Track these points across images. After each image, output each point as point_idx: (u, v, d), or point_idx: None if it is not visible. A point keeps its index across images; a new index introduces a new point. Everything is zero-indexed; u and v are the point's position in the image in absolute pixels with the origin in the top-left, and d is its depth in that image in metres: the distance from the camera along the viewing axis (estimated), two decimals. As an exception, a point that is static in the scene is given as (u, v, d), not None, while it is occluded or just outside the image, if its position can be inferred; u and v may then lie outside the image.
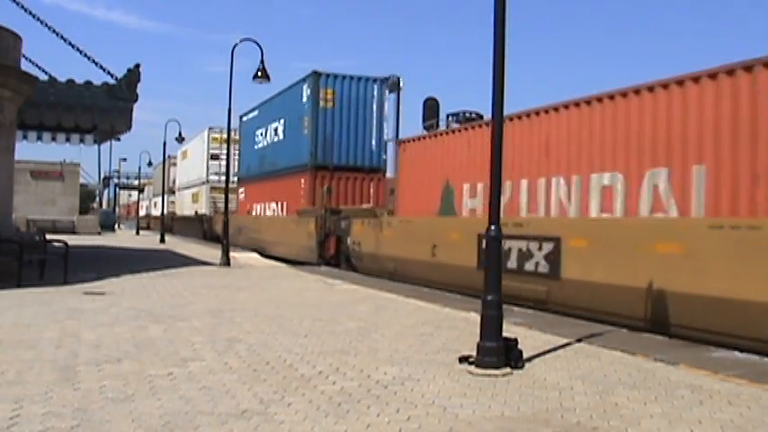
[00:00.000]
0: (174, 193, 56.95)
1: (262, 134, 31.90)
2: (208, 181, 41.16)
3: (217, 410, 5.28)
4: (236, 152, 39.25)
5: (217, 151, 40.05)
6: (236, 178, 39.22)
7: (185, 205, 50.15)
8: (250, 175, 33.74)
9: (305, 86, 25.42)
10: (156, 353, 7.37)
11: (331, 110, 24.56)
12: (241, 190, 35.89)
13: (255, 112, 33.59)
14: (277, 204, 29.08)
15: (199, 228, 43.35)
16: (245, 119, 35.56)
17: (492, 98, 7.33)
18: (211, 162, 40.68)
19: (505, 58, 7.28)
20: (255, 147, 32.84)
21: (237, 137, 36.51)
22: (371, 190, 24.73)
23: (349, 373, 6.67)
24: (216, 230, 36.14)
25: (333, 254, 22.42)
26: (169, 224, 55.60)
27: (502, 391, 6.11)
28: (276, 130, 29.56)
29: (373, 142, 25.03)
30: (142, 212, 77.67)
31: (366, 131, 24.94)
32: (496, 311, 6.95)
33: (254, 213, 32.63)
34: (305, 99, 25.33)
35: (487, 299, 7.01)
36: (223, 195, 38.37)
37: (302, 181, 25.34)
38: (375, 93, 25.07)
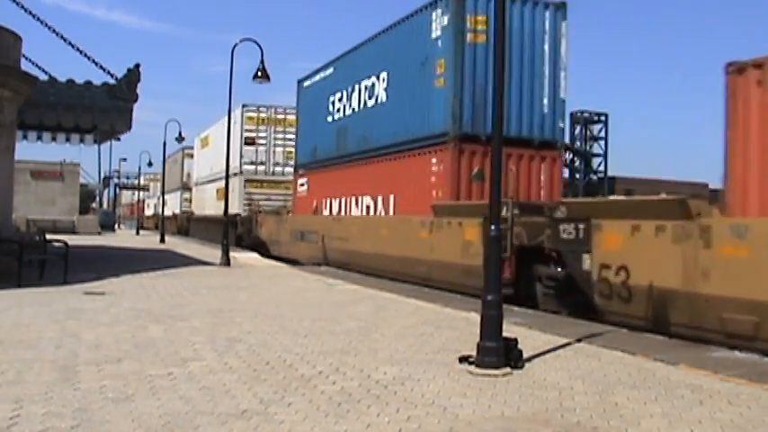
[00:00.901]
0: (188, 189, 50.10)
1: (341, 99, 22.83)
2: (242, 172, 33.62)
3: (217, 410, 5.28)
4: (276, 138, 34.04)
5: (253, 134, 33.44)
6: (276, 168, 34.31)
7: (208, 203, 41.58)
8: (318, 160, 24.80)
9: (436, 13, 17.07)
10: (156, 353, 7.37)
11: (483, 47, 16.18)
12: (301, 182, 27.01)
13: (329, 71, 24.60)
14: (374, 199, 19.91)
15: (230, 231, 38.04)
16: (307, 83, 26.95)
17: (492, 98, 7.34)
18: (246, 148, 33.15)
19: (505, 58, 7.29)
20: (329, 119, 23.86)
21: (293, 116, 30.88)
22: (542, 175, 16.70)
23: (349, 372, 6.67)
24: (259, 236, 30.50)
25: (510, 278, 12.80)
26: (184, 225, 49.62)
27: (502, 391, 6.11)
28: (371, 89, 20.46)
29: (545, 101, 16.86)
30: (149, 212, 72.65)
31: (534, 85, 16.74)
32: (496, 311, 6.95)
33: (325, 212, 23.98)
34: (437, 32, 16.92)
35: (487, 299, 7.01)
36: (266, 190, 33.04)
37: (433, 161, 16.76)
38: (547, 25, 16.93)
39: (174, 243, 36.43)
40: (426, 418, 5.21)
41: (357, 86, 21.69)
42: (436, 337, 8.86)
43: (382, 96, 19.99)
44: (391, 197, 18.87)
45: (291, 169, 31.25)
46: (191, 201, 49.50)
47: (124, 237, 44.50)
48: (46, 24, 19.33)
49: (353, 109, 22.02)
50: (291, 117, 32.18)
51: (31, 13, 19.00)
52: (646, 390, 6.26)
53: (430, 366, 7.01)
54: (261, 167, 34.10)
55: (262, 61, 20.23)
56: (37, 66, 18.95)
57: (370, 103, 20.63)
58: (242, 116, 33.19)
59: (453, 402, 5.67)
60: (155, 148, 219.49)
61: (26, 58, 17.44)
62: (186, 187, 50.66)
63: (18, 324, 9.01)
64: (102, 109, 18.58)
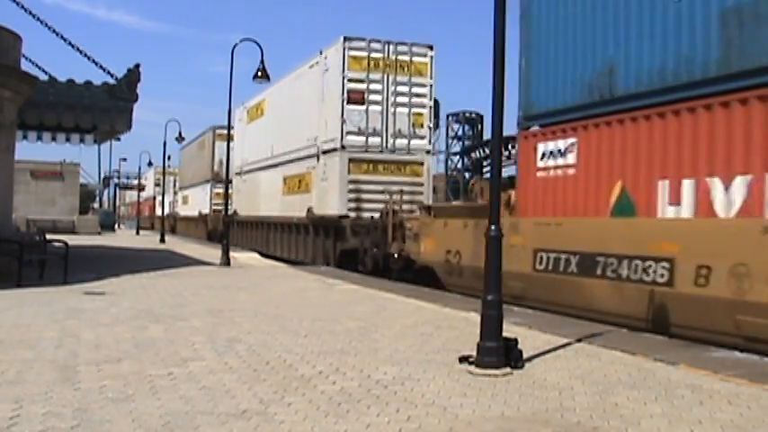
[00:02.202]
0: (220, 181, 35.81)
1: None
2: (343, 147, 20.71)
3: (217, 410, 5.28)
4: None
5: (362, 85, 20.71)
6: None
7: (265, 198, 28.41)
8: (629, 96, 10.84)
9: None
10: (156, 353, 7.38)
11: None
12: (550, 149, 12.54)
13: None
14: None
15: (318, 244, 22.41)
16: None
17: (492, 99, 7.33)
18: (350, 108, 20.63)
19: (505, 58, 7.28)
20: None
21: (424, 58, 21.02)
22: None
23: (349, 372, 6.67)
24: (415, 255, 17.18)
25: None
26: (218, 231, 34.41)
27: (502, 391, 6.11)
28: None
29: None
30: (160, 211, 57.98)
31: None
32: (496, 311, 6.95)
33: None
34: None
35: (487, 299, 7.00)
36: (382, 176, 20.37)
37: None
38: None
39: (174, 243, 36.41)
40: (426, 418, 5.21)
41: None
42: (436, 336, 8.86)
43: None
44: None
45: (422, 142, 21.07)
46: (226, 196, 40.13)
47: (124, 237, 44.51)
48: (46, 24, 19.35)
49: None
50: (421, 60, 21.14)
51: (31, 13, 19.02)
52: (646, 390, 6.26)
53: (430, 366, 7.01)
54: (374, 140, 20.84)
55: (262, 61, 20.25)
56: (37, 66, 18.97)
57: None
58: (344, 56, 20.64)
59: (453, 402, 5.67)
60: (155, 148, 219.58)
61: (26, 58, 17.46)
62: (218, 179, 38.10)
63: (18, 324, 9.01)
64: (102, 109, 18.59)
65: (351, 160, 20.69)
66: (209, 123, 42.40)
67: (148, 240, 39.19)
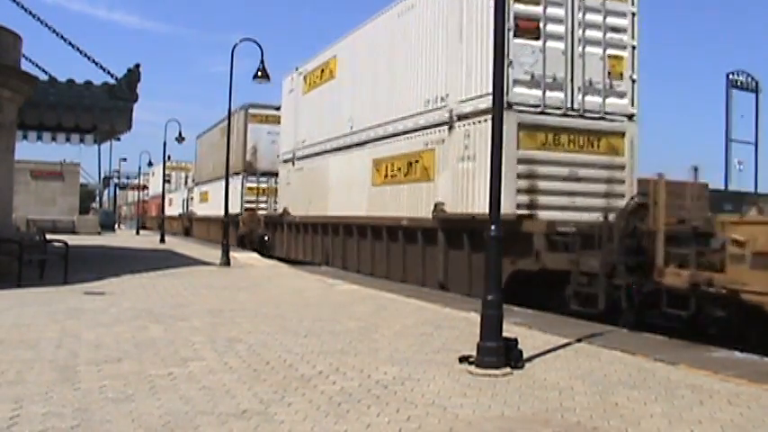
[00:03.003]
0: (255, 174, 32.11)
1: None
2: (509, 105, 12.18)
3: (217, 410, 5.28)
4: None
5: (537, 8, 12.91)
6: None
7: (339, 192, 20.47)
8: None
9: None
10: (156, 353, 7.38)
11: None
12: None
13: None
14: None
15: (460, 261, 14.31)
16: None
17: (492, 98, 7.34)
18: (518, 43, 12.73)
19: (505, 58, 7.28)
20: None
21: None
22: None
23: (349, 372, 6.67)
24: None
25: None
26: (256, 236, 30.44)
27: (502, 391, 6.11)
28: None
29: None
30: (171, 211, 52.18)
31: None
32: (496, 311, 6.95)
33: None
34: None
35: (488, 298, 7.01)
36: (568, 153, 12.66)
37: None
38: None
39: (174, 243, 36.43)
40: (426, 418, 5.21)
41: None
42: (436, 336, 8.86)
43: None
44: None
45: (621, 101, 13.44)
46: (262, 191, 32.06)
47: (124, 237, 44.51)
48: (46, 24, 19.39)
49: None
50: None
51: (31, 13, 19.05)
52: (646, 390, 6.26)
53: (430, 366, 7.01)
54: (554, 95, 13.09)
55: (262, 61, 20.25)
56: (37, 66, 19.00)
57: None
58: None
59: (453, 402, 5.67)
60: (155, 147, 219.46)
61: (26, 58, 17.47)
62: (251, 170, 32.00)
63: (18, 324, 9.01)
64: (102, 109, 18.62)
65: (520, 126, 12.70)
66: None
67: (148, 240, 39.19)
